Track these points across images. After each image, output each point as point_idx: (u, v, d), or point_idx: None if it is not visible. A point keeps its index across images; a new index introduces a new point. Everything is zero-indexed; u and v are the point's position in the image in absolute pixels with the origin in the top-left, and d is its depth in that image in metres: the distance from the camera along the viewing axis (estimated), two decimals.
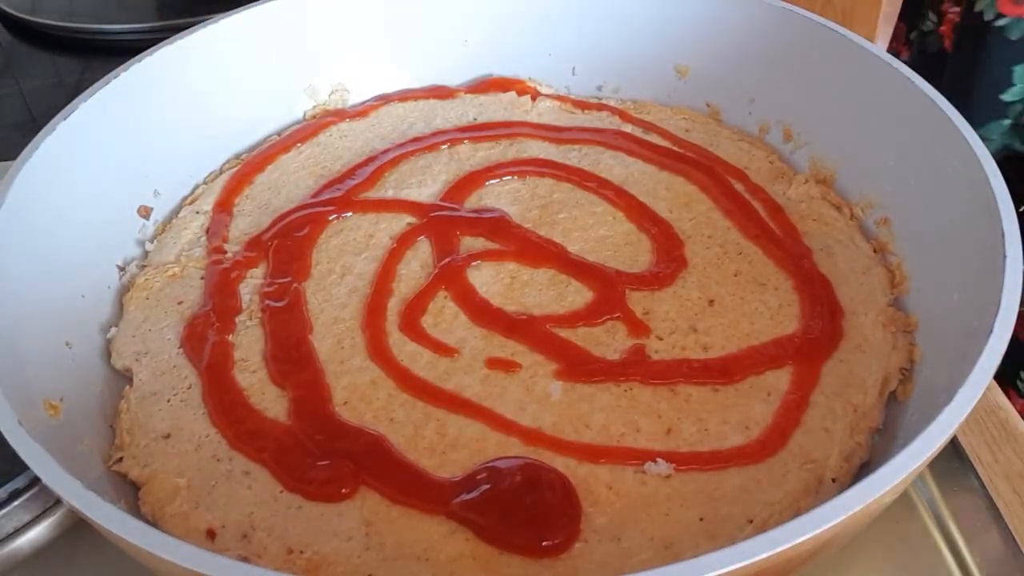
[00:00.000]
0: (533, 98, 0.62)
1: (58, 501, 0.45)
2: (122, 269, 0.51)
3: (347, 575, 0.37)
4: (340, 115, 0.61)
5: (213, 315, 0.47)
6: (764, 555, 0.28)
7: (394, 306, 0.48)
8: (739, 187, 0.54)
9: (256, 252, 0.51)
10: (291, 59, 0.60)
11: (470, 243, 0.51)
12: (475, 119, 0.60)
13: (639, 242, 0.51)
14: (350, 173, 0.56)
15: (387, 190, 0.55)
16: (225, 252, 0.51)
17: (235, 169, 0.57)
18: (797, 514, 0.30)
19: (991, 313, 0.36)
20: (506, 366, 0.44)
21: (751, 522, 0.38)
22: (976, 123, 0.53)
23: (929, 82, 0.47)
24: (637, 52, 0.61)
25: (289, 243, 0.51)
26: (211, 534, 0.38)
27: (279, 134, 0.60)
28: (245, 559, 0.37)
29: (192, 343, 0.46)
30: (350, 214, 0.53)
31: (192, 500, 0.40)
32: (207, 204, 0.54)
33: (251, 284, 0.49)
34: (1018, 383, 0.74)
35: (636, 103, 0.61)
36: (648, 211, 0.53)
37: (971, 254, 0.41)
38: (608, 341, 0.45)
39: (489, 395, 0.43)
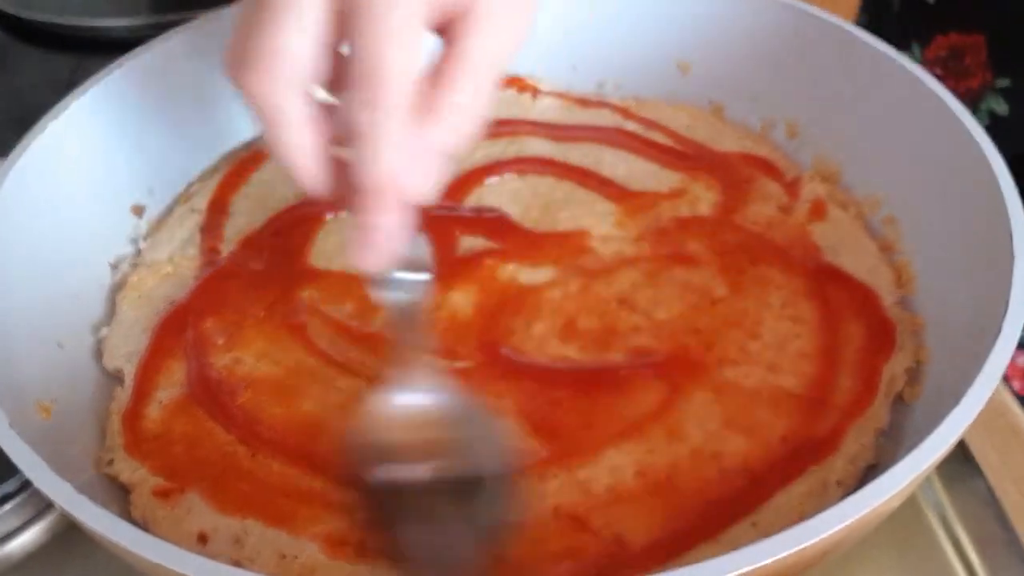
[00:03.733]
0: (533, 95, 0.61)
1: (49, 505, 0.44)
2: (115, 268, 0.50)
3: None
4: None
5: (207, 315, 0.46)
6: (769, 560, 0.28)
7: None
8: None
9: (251, 251, 0.50)
10: None
11: (469, 242, 0.50)
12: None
13: None
14: None
15: None
16: (220, 251, 0.51)
17: (230, 167, 0.56)
18: (802, 518, 0.29)
19: (999, 313, 0.35)
20: None
21: (755, 526, 0.37)
22: None
23: None
24: (638, 49, 0.60)
25: (285, 242, 0.51)
26: (203, 538, 0.38)
27: None
28: (237, 563, 0.37)
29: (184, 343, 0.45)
30: (347, 213, 0.53)
31: (184, 504, 0.39)
32: (202, 202, 0.54)
33: (246, 283, 0.48)
34: None
35: (638, 100, 0.61)
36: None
37: (979, 254, 0.41)
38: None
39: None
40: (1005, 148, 0.42)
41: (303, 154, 0.34)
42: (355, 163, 0.32)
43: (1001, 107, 0.63)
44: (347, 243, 0.34)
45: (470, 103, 0.33)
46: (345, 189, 0.34)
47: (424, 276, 0.37)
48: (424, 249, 0.37)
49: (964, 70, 0.65)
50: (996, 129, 0.54)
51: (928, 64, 0.68)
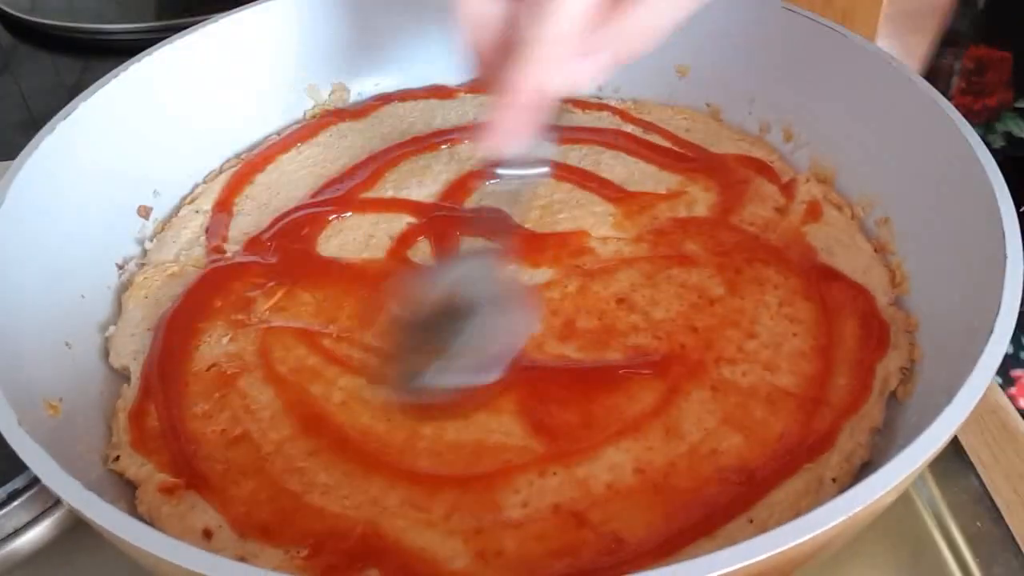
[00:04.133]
0: None
1: (58, 501, 0.45)
2: (121, 268, 0.51)
3: None
4: (340, 115, 0.61)
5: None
6: (764, 555, 0.28)
7: None
8: None
9: (255, 252, 0.51)
10: (291, 59, 0.60)
11: (470, 243, 0.51)
12: (475, 119, 0.60)
13: None
14: (350, 173, 0.56)
15: (387, 190, 0.55)
16: (224, 252, 0.51)
17: (235, 169, 0.57)
18: (797, 514, 0.30)
19: (992, 313, 0.36)
20: None
21: (751, 522, 0.38)
22: None
23: None
24: None
25: (289, 243, 0.51)
26: (207, 534, 0.38)
27: (279, 134, 0.60)
28: (242, 559, 0.37)
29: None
30: (350, 214, 0.53)
31: (189, 500, 0.39)
32: (207, 203, 0.54)
33: (250, 284, 0.49)
34: None
35: (636, 103, 0.61)
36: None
37: (972, 254, 0.41)
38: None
39: None
40: (1020, 168, 0.41)
41: (473, 20, 0.38)
42: (511, 59, 0.36)
43: (1021, 129, 0.61)
44: (479, 128, 0.39)
45: (646, 22, 0.38)
46: (495, 71, 0.38)
47: (539, 170, 0.43)
48: (547, 151, 0.43)
49: (983, 87, 0.63)
50: (1012, 150, 0.53)
51: (958, 73, 0.66)
